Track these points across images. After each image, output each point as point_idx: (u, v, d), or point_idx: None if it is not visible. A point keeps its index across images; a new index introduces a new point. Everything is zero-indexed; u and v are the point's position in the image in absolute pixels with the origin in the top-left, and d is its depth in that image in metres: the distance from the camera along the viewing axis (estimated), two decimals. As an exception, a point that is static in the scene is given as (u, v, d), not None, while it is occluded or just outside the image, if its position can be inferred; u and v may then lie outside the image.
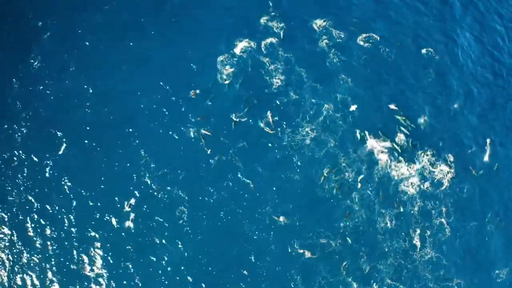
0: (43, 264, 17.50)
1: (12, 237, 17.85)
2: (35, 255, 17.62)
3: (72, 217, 17.96)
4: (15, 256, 17.62)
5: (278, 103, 19.93)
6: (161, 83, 20.07)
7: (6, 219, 17.99)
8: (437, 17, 22.95)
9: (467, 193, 19.32)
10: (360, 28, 21.81)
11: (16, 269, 17.48)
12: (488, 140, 20.30)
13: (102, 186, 18.46)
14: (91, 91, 19.79)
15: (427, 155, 19.55)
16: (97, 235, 17.81)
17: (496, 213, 19.20)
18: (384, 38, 21.73)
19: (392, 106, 20.23)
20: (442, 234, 18.59)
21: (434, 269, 18.14)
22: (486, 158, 20.00)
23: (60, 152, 18.85)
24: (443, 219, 18.73)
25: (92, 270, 17.42)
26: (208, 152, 18.99)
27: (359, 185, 18.84)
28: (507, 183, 19.82)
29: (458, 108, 20.87)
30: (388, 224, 18.45)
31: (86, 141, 19.04)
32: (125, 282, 17.31)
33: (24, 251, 17.69)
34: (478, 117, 20.97)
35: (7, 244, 17.77)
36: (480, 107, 21.19)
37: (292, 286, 17.54)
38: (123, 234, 17.86)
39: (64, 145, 18.97)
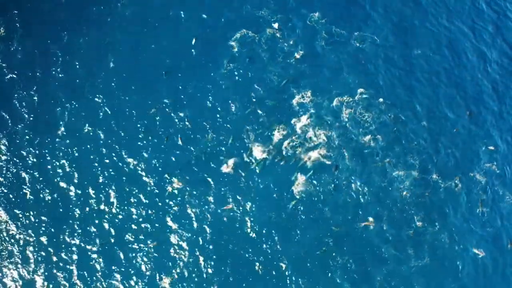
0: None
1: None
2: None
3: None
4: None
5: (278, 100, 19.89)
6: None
7: None
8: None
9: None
10: (357, 26, 21.67)
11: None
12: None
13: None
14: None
15: (420, 160, 19.32)
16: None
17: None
18: (380, 36, 21.64)
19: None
20: (439, 242, 18.25)
21: (426, 275, 17.86)
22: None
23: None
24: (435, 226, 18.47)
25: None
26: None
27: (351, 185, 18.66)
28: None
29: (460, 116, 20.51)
30: (384, 227, 18.22)
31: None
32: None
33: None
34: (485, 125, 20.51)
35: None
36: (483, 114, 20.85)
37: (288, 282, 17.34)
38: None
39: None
